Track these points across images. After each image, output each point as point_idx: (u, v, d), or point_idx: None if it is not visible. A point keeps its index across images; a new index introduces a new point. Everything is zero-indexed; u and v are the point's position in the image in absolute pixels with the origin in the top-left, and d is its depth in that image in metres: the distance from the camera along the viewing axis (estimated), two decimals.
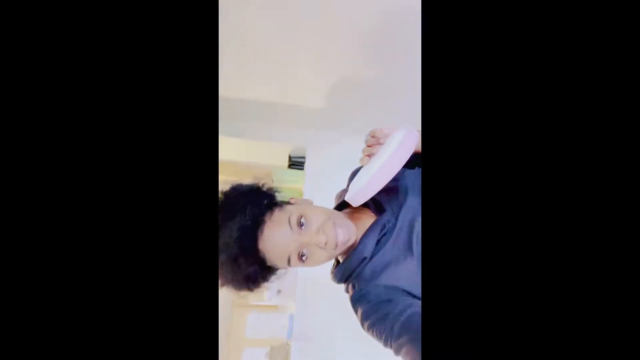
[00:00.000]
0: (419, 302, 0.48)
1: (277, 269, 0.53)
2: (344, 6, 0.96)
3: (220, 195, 0.52)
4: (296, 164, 1.67)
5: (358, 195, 0.49)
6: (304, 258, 0.50)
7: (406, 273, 0.51)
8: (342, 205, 0.61)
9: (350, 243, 0.53)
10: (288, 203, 0.55)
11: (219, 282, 0.52)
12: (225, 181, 0.54)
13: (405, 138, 0.47)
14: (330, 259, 0.54)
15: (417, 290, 0.51)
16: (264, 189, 0.55)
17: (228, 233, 0.48)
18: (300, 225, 0.50)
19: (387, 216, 0.55)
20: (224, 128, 1.46)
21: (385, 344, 0.46)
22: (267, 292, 1.50)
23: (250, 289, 0.53)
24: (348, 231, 0.52)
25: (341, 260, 0.57)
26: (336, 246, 0.51)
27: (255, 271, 0.50)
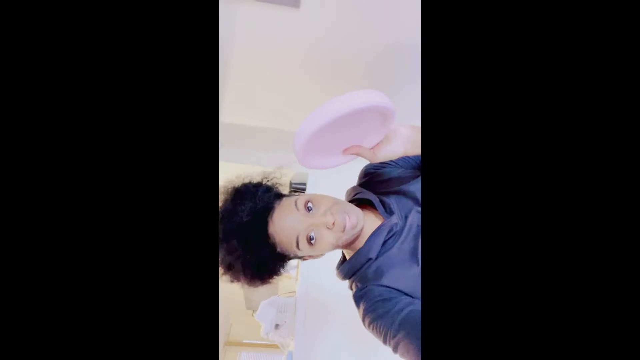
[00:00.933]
0: (418, 302, 0.49)
1: (287, 259, 0.54)
2: (347, 36, 0.97)
3: (231, 187, 0.56)
4: (297, 190, 1.65)
5: (295, 138, 0.48)
6: (312, 241, 0.51)
7: (410, 278, 0.51)
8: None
9: (358, 229, 0.53)
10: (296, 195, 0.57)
11: (230, 279, 0.54)
12: (238, 175, 0.57)
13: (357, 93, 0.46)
14: (337, 245, 0.54)
15: (420, 294, 0.51)
16: (272, 182, 0.58)
17: (240, 218, 0.50)
18: (308, 209, 0.52)
19: (395, 219, 0.56)
20: (224, 154, 1.45)
21: (385, 340, 0.47)
22: (263, 325, 1.42)
23: (262, 278, 0.54)
24: (356, 216, 0.53)
25: (347, 258, 0.58)
26: (344, 228, 0.51)
27: (267, 255, 0.51)
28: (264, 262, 0.52)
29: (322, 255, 0.57)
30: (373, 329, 0.49)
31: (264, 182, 0.57)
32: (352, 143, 0.55)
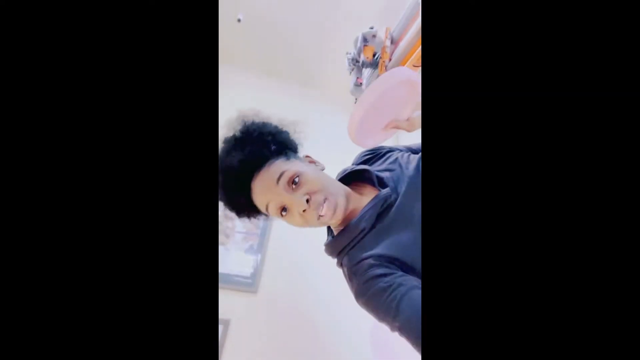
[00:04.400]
0: (413, 279, 0.47)
1: (262, 213, 0.55)
2: None
3: (241, 122, 0.55)
4: None
5: (348, 128, 0.57)
6: (283, 213, 0.52)
7: (404, 244, 0.50)
8: (347, 180, 0.62)
9: (334, 220, 0.54)
10: (301, 158, 0.57)
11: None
12: (256, 113, 0.57)
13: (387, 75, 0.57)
14: (308, 227, 0.55)
15: (416, 262, 0.49)
16: (283, 135, 0.56)
17: (231, 160, 0.51)
18: (292, 184, 0.51)
19: (388, 191, 0.55)
20: None
21: (381, 320, 0.46)
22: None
23: (237, 213, 0.56)
24: (334, 210, 0.53)
25: (336, 233, 0.57)
26: (318, 219, 0.52)
27: (243, 203, 0.53)
28: (239, 207, 0.54)
29: None
30: (367, 308, 0.47)
31: (272, 133, 0.56)
32: (390, 119, 0.63)
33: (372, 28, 0.71)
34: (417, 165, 0.58)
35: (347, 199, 0.55)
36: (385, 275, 0.46)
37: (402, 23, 0.68)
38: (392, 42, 0.71)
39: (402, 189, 0.56)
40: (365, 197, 0.57)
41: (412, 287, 0.44)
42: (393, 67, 0.68)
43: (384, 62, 0.69)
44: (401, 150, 0.66)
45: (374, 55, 0.71)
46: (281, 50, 1.85)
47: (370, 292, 0.46)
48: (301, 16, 1.63)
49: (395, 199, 0.54)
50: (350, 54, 0.75)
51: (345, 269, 0.53)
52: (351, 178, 0.62)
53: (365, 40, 0.71)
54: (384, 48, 0.70)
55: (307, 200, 0.50)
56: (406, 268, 0.48)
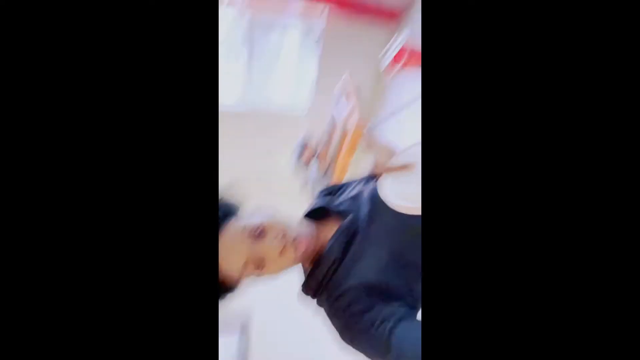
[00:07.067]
0: (397, 308, 0.46)
1: (231, 287, 0.51)
2: None
3: None
4: None
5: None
6: (260, 267, 0.48)
7: (380, 266, 0.51)
8: (309, 215, 0.61)
9: (309, 250, 0.52)
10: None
11: None
12: None
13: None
14: (288, 267, 0.52)
15: (393, 285, 0.49)
16: (224, 202, 0.54)
17: None
18: (257, 234, 0.49)
19: (350, 218, 0.56)
20: None
21: (372, 358, 0.45)
22: None
23: None
24: (309, 239, 0.52)
25: (307, 272, 0.55)
26: (295, 251, 0.49)
27: None
28: None
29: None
30: (354, 346, 0.46)
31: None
32: None
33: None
34: (374, 188, 0.61)
35: (315, 231, 0.56)
36: (366, 311, 0.46)
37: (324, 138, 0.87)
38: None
39: (364, 212, 0.57)
40: (329, 228, 0.57)
41: (397, 320, 0.44)
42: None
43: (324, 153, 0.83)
44: (361, 181, 0.68)
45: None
46: None
47: (354, 331, 0.46)
48: None
49: (360, 224, 0.55)
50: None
51: (325, 308, 0.52)
52: (313, 217, 0.61)
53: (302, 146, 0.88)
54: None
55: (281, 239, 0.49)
56: (386, 294, 0.49)
